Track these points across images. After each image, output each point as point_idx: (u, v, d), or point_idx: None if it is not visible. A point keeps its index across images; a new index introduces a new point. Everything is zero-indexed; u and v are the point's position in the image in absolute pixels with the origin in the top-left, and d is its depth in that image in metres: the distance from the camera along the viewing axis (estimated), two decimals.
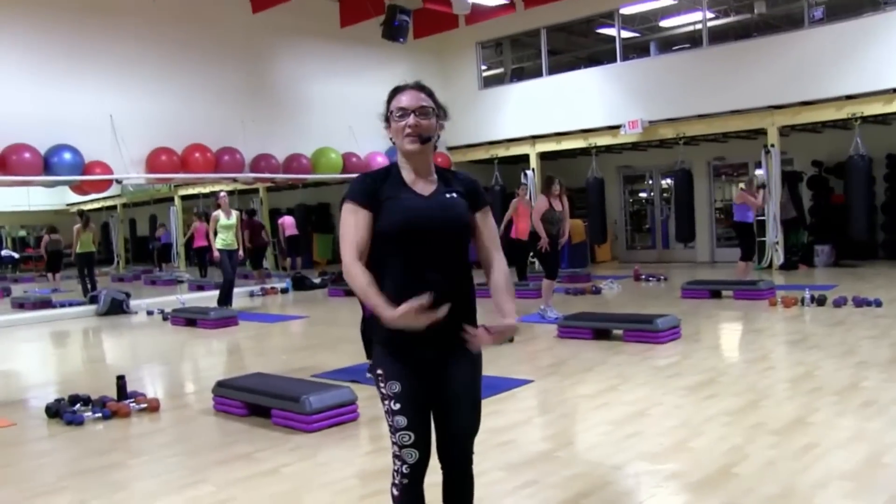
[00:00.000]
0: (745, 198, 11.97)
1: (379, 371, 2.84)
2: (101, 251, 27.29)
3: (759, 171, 15.62)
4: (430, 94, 2.86)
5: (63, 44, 13.72)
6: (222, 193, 12.87)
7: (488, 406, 4.67)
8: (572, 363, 7.55)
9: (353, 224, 2.78)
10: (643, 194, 21.62)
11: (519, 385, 6.64)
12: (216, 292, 13.55)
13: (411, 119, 2.77)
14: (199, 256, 20.47)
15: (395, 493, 2.85)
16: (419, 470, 2.80)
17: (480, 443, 3.09)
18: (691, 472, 4.35)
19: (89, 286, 15.90)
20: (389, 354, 2.81)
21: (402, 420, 2.77)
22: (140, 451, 5.50)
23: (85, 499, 4.47)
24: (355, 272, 2.70)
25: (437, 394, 2.85)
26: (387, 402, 2.81)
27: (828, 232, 16.25)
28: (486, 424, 3.69)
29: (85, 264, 16.02)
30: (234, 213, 12.79)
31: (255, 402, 5.98)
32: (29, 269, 28.00)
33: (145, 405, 6.51)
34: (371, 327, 7.03)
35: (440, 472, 2.96)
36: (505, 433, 5.22)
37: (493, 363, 6.97)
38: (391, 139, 2.87)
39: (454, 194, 2.85)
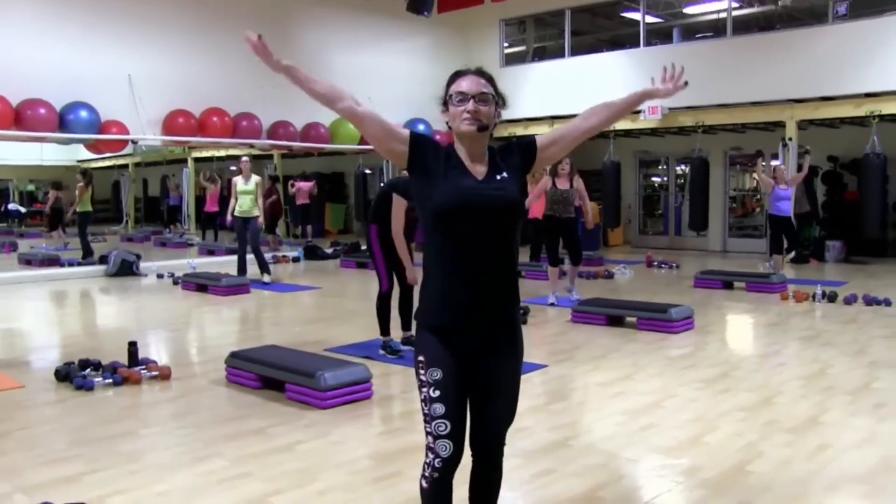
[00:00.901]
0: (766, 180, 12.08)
1: (420, 358, 2.81)
2: (110, 210, 27.37)
3: (774, 162, 15.53)
4: (491, 81, 2.83)
5: None
6: (244, 158, 12.70)
7: None
8: (586, 349, 7.53)
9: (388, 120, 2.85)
10: (656, 179, 21.52)
11: (533, 370, 6.62)
12: (227, 258, 13.47)
13: (471, 105, 2.75)
14: (210, 221, 20.48)
15: (425, 485, 2.83)
16: (451, 464, 2.78)
17: None
18: (707, 467, 4.34)
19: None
20: (434, 340, 2.78)
21: (439, 408, 2.75)
22: (151, 421, 5.47)
23: (96, 468, 4.41)
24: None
25: (476, 381, 2.83)
26: (425, 390, 2.78)
27: (840, 228, 16.17)
28: None
29: (84, 223, 15.65)
30: (254, 179, 12.39)
31: (268, 375, 5.94)
32: (36, 224, 27.94)
33: (156, 373, 6.45)
34: (386, 304, 7.10)
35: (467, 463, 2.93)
36: (520, 419, 5.08)
37: None
38: (447, 123, 2.85)
39: (504, 175, 2.82)
